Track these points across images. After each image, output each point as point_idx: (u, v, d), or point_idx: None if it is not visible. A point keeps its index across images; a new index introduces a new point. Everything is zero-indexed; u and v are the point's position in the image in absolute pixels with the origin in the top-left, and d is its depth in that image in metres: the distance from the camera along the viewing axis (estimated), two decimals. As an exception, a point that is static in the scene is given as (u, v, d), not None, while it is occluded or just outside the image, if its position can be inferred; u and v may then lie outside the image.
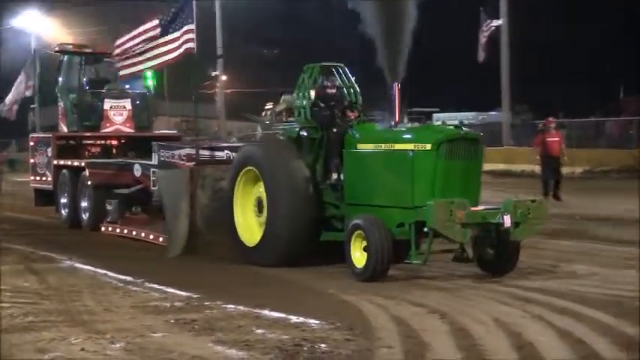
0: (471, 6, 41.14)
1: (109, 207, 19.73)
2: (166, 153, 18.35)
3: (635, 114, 45.16)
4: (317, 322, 10.28)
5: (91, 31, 55.04)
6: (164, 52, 18.48)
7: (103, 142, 22.95)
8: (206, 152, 17.94)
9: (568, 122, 46.76)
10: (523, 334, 9.55)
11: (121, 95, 22.92)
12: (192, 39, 18.04)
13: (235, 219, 15.08)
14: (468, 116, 50.35)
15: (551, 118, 26.73)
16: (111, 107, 22.59)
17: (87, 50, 23.63)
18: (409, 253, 13.06)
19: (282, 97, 70.07)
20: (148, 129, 23.49)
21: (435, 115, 49.84)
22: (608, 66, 54.92)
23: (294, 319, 10.49)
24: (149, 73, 23.26)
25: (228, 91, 61.66)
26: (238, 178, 15.06)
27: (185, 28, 18.00)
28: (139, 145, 22.38)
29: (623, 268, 14.12)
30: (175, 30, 18.10)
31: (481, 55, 39.75)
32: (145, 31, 18.70)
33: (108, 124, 22.64)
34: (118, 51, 19.52)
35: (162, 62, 18.71)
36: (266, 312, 10.93)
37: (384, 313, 10.79)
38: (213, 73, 58.94)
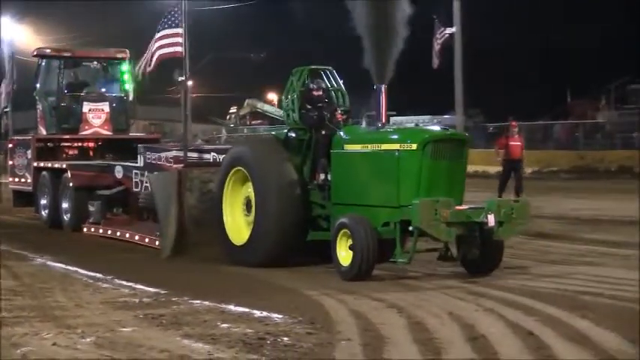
0: (427, 13, 41.14)
1: (91, 208, 19.50)
2: (152, 155, 18.16)
3: (582, 117, 45.54)
4: (280, 316, 10.28)
5: (62, 37, 54.79)
6: (151, 54, 17.95)
7: (80, 144, 22.73)
8: (194, 154, 17.73)
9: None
10: (476, 326, 9.59)
11: (100, 98, 22.72)
12: (180, 43, 17.55)
13: (224, 218, 14.85)
14: (423, 119, 50.44)
15: (514, 122, 26.28)
16: (89, 110, 22.40)
17: (65, 54, 23.37)
18: (394, 252, 12.90)
19: (246, 101, 70.13)
20: (125, 131, 23.32)
21: (392, 119, 49.84)
22: (556, 71, 55.25)
23: (257, 313, 10.48)
24: (126, 77, 23.11)
25: (194, 95, 61.48)
26: (228, 178, 14.82)
27: (174, 30, 17.47)
28: (115, 147, 22.32)
29: (576, 265, 14.23)
30: (162, 29, 17.58)
31: (435, 62, 39.82)
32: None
33: (87, 127, 22.41)
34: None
35: (155, 62, 18.05)
36: (231, 307, 10.92)
37: (344, 307, 10.80)
38: (180, 79, 58.65)
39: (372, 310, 10.59)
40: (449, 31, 40.20)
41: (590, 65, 53.94)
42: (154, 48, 17.72)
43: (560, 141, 44.51)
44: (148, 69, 18.18)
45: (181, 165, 16.83)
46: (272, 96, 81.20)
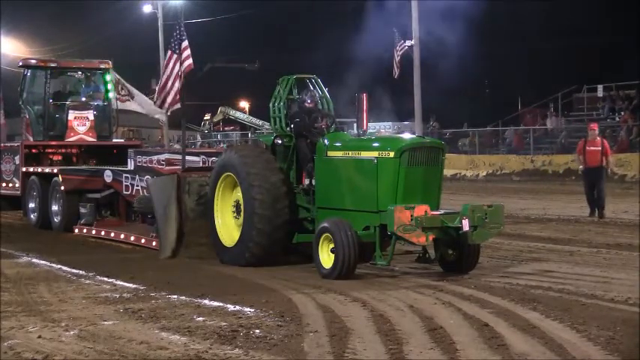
0: (389, 25, 41.17)
1: (83, 210, 19.27)
2: (143, 158, 17.96)
3: (531, 124, 45.79)
4: (252, 310, 10.27)
5: (46, 49, 54.61)
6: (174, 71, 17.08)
7: (64, 150, 22.51)
8: (194, 158, 17.55)
9: (472, 131, 47.26)
10: (435, 318, 9.63)
11: (84, 107, 22.54)
12: (189, 55, 16.97)
13: (216, 221, 14.70)
14: (385, 125, 50.53)
15: (594, 125, 22.03)
16: (75, 118, 22.23)
17: (51, 65, 23.09)
18: (374, 255, 12.74)
19: (220, 108, 69.95)
20: (108, 138, 23.15)
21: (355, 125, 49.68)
22: (508, 80, 55.57)
23: (231, 307, 10.47)
24: (109, 86, 22.96)
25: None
26: (218, 183, 14.65)
27: (182, 45, 16.84)
28: (98, 152, 22.17)
29: (526, 260, 14.29)
30: (175, 50, 16.92)
31: (396, 72, 39.86)
32: (167, 66, 17.24)
33: (72, 134, 22.20)
34: (158, 96, 17.89)
35: (181, 82, 17.12)
36: (206, 301, 10.90)
37: (311, 301, 10.81)
38: (156, 88, 58.46)
39: (337, 304, 10.59)
40: (408, 43, 40.27)
41: (540, 76, 54.41)
42: (171, 83, 16.99)
43: (511, 146, 44.72)
44: (173, 107, 17.61)
45: (178, 168, 16.59)
46: (243, 104, 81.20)
